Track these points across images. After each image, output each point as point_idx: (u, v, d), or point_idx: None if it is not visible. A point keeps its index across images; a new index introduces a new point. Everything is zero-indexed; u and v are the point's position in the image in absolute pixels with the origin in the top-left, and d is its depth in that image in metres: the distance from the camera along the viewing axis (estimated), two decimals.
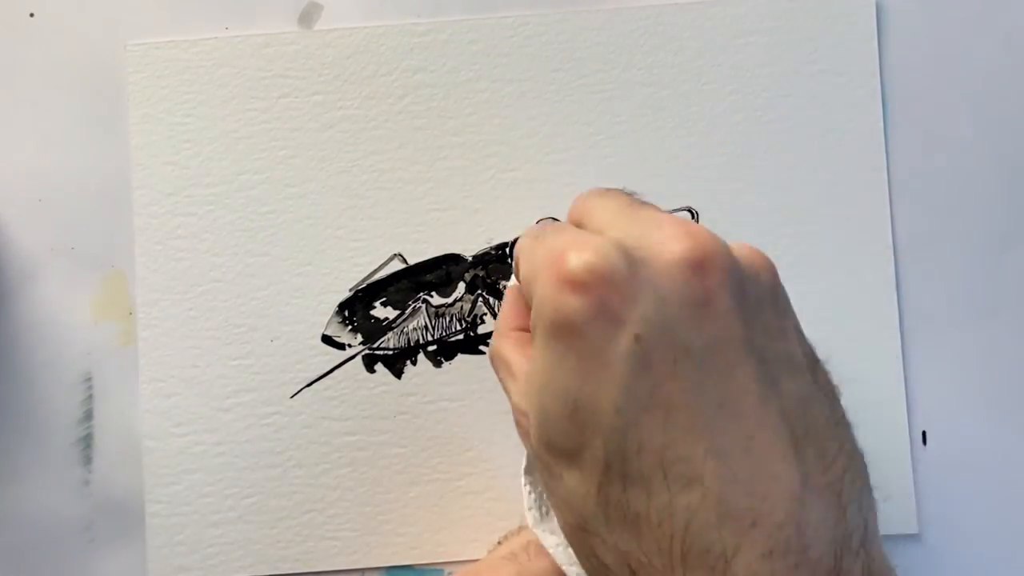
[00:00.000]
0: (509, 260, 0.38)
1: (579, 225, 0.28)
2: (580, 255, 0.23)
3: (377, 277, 0.38)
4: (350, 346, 0.38)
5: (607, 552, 0.23)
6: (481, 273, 0.38)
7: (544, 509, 0.30)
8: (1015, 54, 0.39)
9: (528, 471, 0.31)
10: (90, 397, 0.37)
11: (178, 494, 0.37)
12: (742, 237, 0.38)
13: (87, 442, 0.37)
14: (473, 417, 0.37)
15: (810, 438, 0.23)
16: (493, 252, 0.38)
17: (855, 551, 0.22)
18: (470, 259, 0.38)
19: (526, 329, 0.29)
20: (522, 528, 0.36)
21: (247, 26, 0.39)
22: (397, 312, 0.38)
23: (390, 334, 0.38)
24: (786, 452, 0.22)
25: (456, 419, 0.37)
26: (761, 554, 0.21)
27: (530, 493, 0.30)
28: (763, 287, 0.24)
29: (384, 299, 0.38)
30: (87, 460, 0.37)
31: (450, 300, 0.38)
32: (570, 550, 0.26)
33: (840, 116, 0.38)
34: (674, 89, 0.38)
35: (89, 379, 0.38)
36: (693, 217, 0.38)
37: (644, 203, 0.27)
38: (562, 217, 0.38)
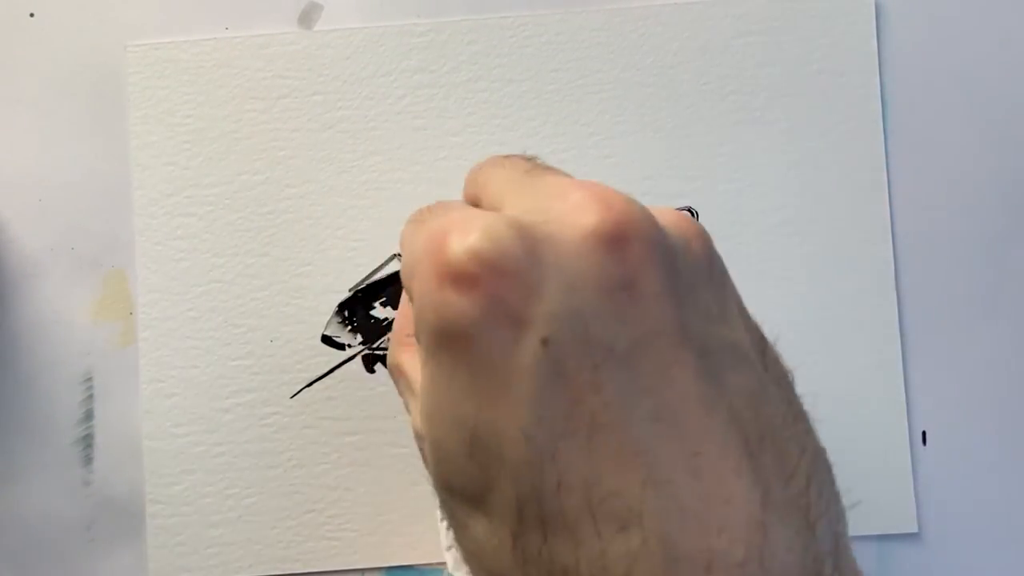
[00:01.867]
0: None
1: (475, 203, 0.23)
2: (463, 239, 0.18)
3: (377, 277, 0.38)
4: (350, 346, 0.38)
5: None
6: None
7: None
8: (1015, 54, 0.39)
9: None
10: (90, 397, 0.37)
11: (178, 494, 0.37)
12: (741, 238, 0.38)
13: (87, 442, 0.37)
14: None
15: (766, 443, 0.18)
16: None
17: None
18: None
19: None
20: None
21: (247, 26, 0.39)
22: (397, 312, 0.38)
23: (390, 334, 0.38)
24: (740, 466, 0.17)
25: None
26: None
27: (448, 528, 0.25)
28: (697, 260, 0.20)
29: (384, 299, 0.38)
30: (87, 460, 0.37)
31: None
32: None
33: (839, 116, 0.38)
34: (674, 89, 0.38)
35: (89, 379, 0.38)
36: (692, 217, 0.38)
37: (547, 168, 0.22)
38: None
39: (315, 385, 0.38)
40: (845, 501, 0.20)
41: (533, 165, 0.23)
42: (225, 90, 0.38)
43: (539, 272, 0.18)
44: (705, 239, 0.21)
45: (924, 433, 0.38)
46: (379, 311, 0.38)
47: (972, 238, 0.38)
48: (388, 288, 0.38)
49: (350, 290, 0.38)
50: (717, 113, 0.38)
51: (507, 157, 0.23)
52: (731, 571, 0.17)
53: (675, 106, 0.38)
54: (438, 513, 0.25)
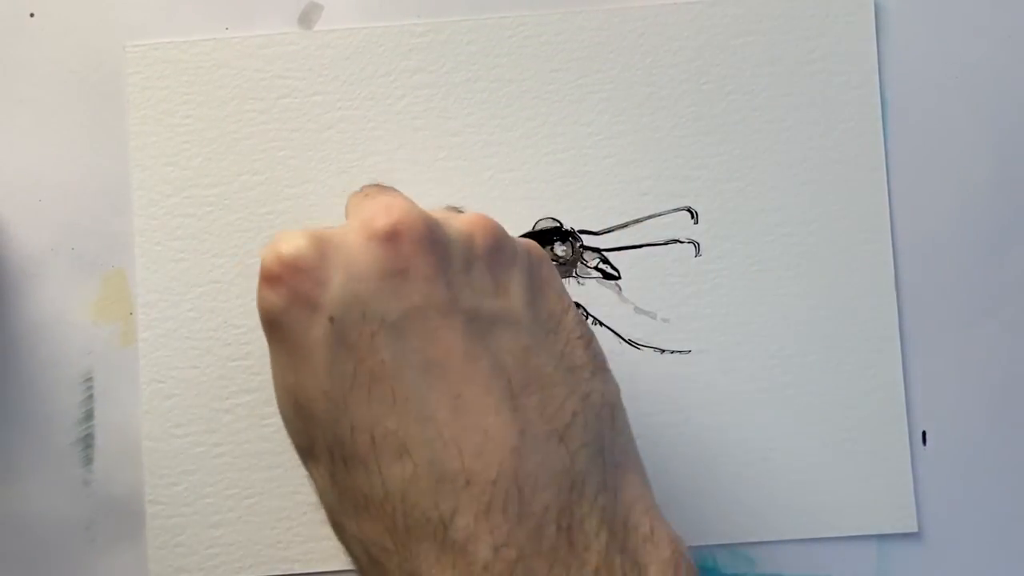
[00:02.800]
0: None
1: None
2: (273, 250, 0.24)
3: None
4: None
5: (355, 543, 0.23)
6: None
7: None
8: (1015, 54, 0.39)
9: None
10: (90, 397, 0.38)
11: (178, 495, 0.37)
12: (741, 237, 0.38)
13: (87, 442, 0.37)
14: None
15: (532, 387, 0.23)
16: None
17: (591, 498, 0.22)
18: None
19: None
20: None
21: (247, 27, 0.39)
22: None
23: None
24: (500, 406, 0.22)
25: None
26: (477, 512, 0.21)
27: None
28: (475, 248, 0.24)
29: None
30: (87, 460, 0.37)
31: None
32: None
33: (839, 116, 0.38)
34: (673, 89, 0.38)
35: (89, 379, 0.38)
36: (693, 217, 0.38)
37: (383, 189, 0.29)
38: (567, 219, 0.38)
39: None
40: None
41: (374, 189, 0.29)
42: (225, 90, 0.38)
43: (326, 268, 0.23)
44: (491, 232, 0.25)
45: (924, 433, 0.38)
46: None
47: (972, 238, 0.38)
48: None
49: None
50: (717, 113, 0.38)
51: (365, 185, 0.32)
52: (485, 486, 0.21)
53: (675, 106, 0.38)
54: None
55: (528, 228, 0.38)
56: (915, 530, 0.37)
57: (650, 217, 0.38)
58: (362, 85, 0.38)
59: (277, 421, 0.37)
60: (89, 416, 0.37)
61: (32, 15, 0.39)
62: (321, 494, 0.25)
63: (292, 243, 0.23)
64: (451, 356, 0.23)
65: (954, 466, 0.38)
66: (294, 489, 0.37)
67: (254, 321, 0.37)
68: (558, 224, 0.38)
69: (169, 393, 0.37)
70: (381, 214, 0.24)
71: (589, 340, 0.26)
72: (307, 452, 0.24)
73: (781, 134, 0.38)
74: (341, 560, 0.37)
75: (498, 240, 0.25)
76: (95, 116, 0.38)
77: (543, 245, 0.37)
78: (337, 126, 0.38)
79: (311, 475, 0.25)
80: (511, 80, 0.38)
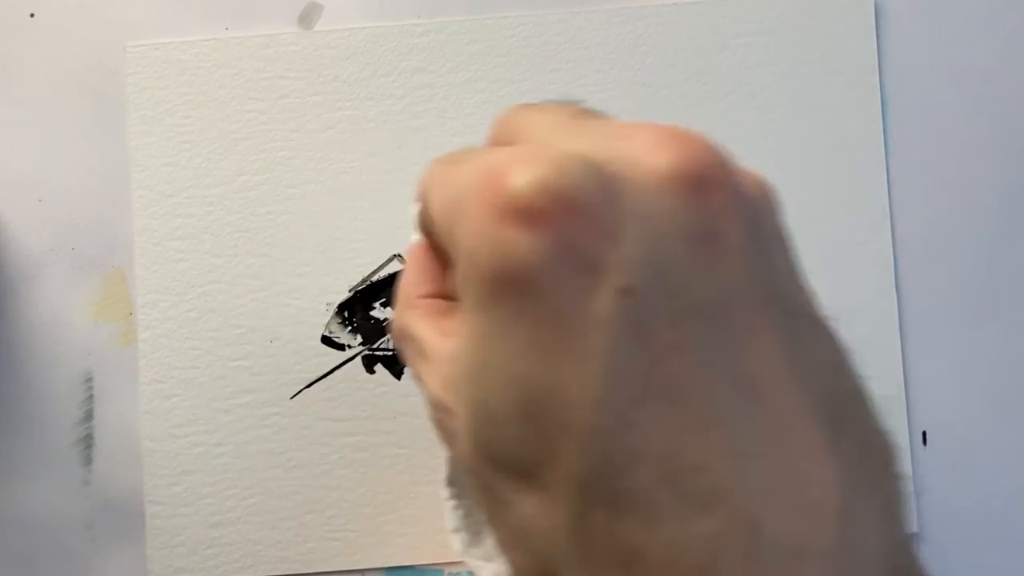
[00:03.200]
0: None
1: None
2: (530, 170, 0.16)
3: (377, 278, 0.38)
4: (350, 347, 0.38)
5: None
6: None
7: (475, 530, 0.24)
8: (1015, 54, 0.39)
9: (453, 482, 0.24)
10: (90, 397, 0.38)
11: (178, 495, 0.37)
12: None
13: (87, 442, 0.37)
14: None
15: (847, 420, 0.17)
16: None
17: (909, 570, 0.17)
18: None
19: (439, 295, 0.22)
20: None
21: (247, 27, 0.39)
22: None
23: (390, 335, 0.38)
24: (825, 444, 0.16)
25: None
26: None
27: (456, 508, 0.24)
28: (772, 216, 0.18)
29: (384, 300, 0.38)
30: (87, 460, 0.37)
31: None
32: None
33: (839, 116, 0.38)
34: (673, 89, 0.38)
35: (89, 379, 0.38)
36: None
37: (597, 112, 0.20)
38: None
39: (315, 386, 0.38)
40: None
41: (580, 109, 0.20)
42: (225, 90, 0.38)
43: (617, 212, 0.16)
44: (775, 194, 0.19)
45: (924, 433, 0.38)
46: (379, 311, 0.38)
47: (972, 238, 0.38)
48: (388, 288, 0.38)
49: (350, 290, 0.38)
50: (717, 113, 0.38)
51: (542, 103, 0.21)
52: (823, 559, 0.15)
53: (675, 106, 0.38)
54: (443, 492, 0.24)
55: None
56: (915, 530, 0.37)
57: None
58: (362, 85, 0.38)
59: (277, 421, 0.38)
60: (89, 416, 0.37)
61: (32, 15, 0.39)
62: (526, 532, 0.17)
63: (562, 165, 0.16)
64: (771, 370, 0.16)
65: (954, 466, 0.38)
66: (294, 489, 0.37)
67: (254, 322, 0.38)
68: None
69: (169, 393, 0.37)
70: (676, 147, 0.16)
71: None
72: (527, 473, 0.16)
73: (780, 134, 0.38)
74: (341, 560, 0.37)
75: (779, 210, 0.19)
76: (95, 116, 0.38)
77: None
78: (337, 126, 0.38)
79: (511, 502, 0.17)
80: (511, 80, 0.38)
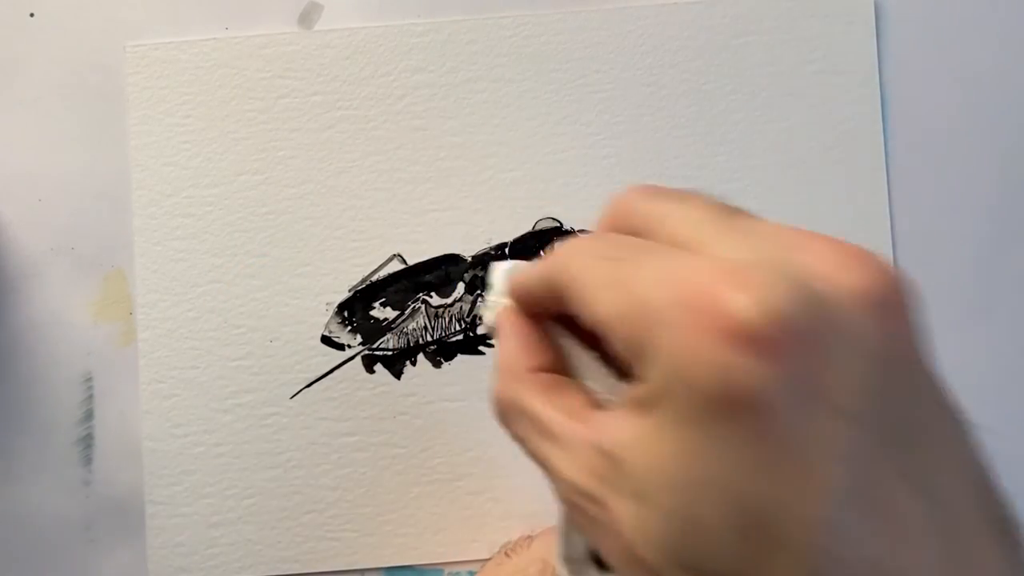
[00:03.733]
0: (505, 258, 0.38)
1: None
2: (751, 293, 0.16)
3: (376, 278, 0.38)
4: (349, 347, 0.38)
5: None
6: (480, 273, 0.38)
7: None
8: (1015, 54, 0.39)
9: (571, 561, 0.23)
10: (90, 397, 0.38)
11: (178, 495, 0.37)
12: None
13: (87, 442, 0.37)
14: (473, 417, 0.37)
15: (1007, 532, 0.18)
16: (492, 252, 0.38)
17: None
18: (469, 259, 0.38)
19: (548, 369, 0.22)
20: (530, 539, 0.36)
21: (247, 26, 0.39)
22: (396, 313, 0.38)
23: (389, 335, 0.38)
24: (998, 557, 0.17)
25: (456, 419, 0.37)
26: None
27: None
28: (919, 321, 0.18)
29: (383, 300, 0.38)
30: (87, 460, 0.37)
31: (449, 300, 0.38)
32: None
33: (839, 115, 0.38)
34: (673, 89, 0.38)
35: (89, 379, 0.38)
36: None
37: (740, 209, 0.20)
38: (567, 218, 0.38)
39: (315, 385, 0.38)
40: None
41: (725, 204, 0.20)
42: (225, 90, 0.38)
43: (832, 339, 0.16)
44: (914, 293, 0.19)
45: None
46: (378, 311, 0.38)
47: (972, 238, 0.38)
48: (388, 288, 0.38)
49: (350, 290, 0.38)
50: (717, 113, 0.38)
51: (674, 190, 0.21)
52: None
53: (675, 106, 0.38)
54: (561, 568, 0.23)
55: (528, 228, 0.38)
56: None
57: None
58: (362, 85, 0.38)
59: (277, 421, 0.38)
60: (89, 416, 0.37)
61: (32, 15, 0.39)
62: None
63: (789, 293, 0.16)
64: (953, 484, 0.17)
65: None
66: (294, 489, 0.37)
67: (254, 321, 0.38)
68: (558, 224, 0.38)
69: (169, 393, 0.37)
70: (863, 267, 0.17)
71: None
72: None
73: (781, 134, 0.38)
74: (341, 560, 0.37)
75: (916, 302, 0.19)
76: (95, 116, 0.38)
77: (543, 245, 0.37)
78: (337, 126, 0.38)
79: None
80: (511, 80, 0.38)
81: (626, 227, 0.21)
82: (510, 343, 0.23)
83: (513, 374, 0.22)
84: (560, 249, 0.21)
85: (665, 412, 0.17)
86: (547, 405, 0.21)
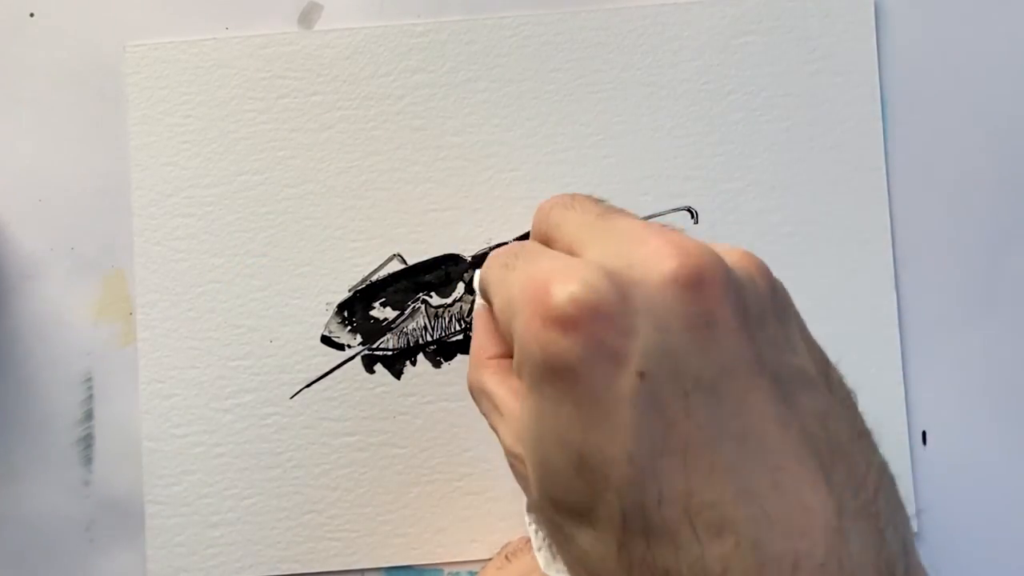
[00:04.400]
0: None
1: (546, 242, 0.26)
2: (565, 287, 0.21)
3: (376, 277, 0.38)
4: (349, 347, 0.38)
5: None
6: None
7: (554, 550, 0.27)
8: (1015, 54, 0.39)
9: (532, 509, 0.28)
10: (90, 397, 0.38)
11: (178, 495, 0.37)
12: (741, 237, 0.38)
13: (87, 442, 0.37)
14: (473, 417, 0.37)
15: (837, 457, 0.21)
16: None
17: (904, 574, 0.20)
18: (469, 259, 0.38)
19: (505, 356, 0.27)
20: (530, 541, 0.36)
21: (247, 26, 0.39)
22: (396, 313, 0.38)
23: (389, 335, 0.38)
24: (816, 479, 0.20)
25: (456, 419, 0.37)
26: None
27: (537, 532, 0.28)
28: (762, 294, 0.22)
29: (383, 300, 0.38)
30: (87, 460, 0.37)
31: (449, 300, 0.38)
32: None
33: (839, 116, 0.38)
34: (673, 89, 0.38)
35: (89, 379, 0.38)
36: (692, 217, 0.38)
37: (617, 211, 0.25)
38: None
39: (315, 385, 0.38)
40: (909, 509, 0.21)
41: (604, 208, 0.25)
42: (224, 90, 0.38)
43: (631, 314, 0.20)
44: (767, 273, 0.23)
45: (924, 433, 0.38)
46: (378, 311, 0.38)
47: (972, 238, 0.38)
48: (387, 288, 0.38)
49: (350, 290, 0.38)
50: (717, 113, 0.38)
51: (575, 198, 0.26)
52: (814, 571, 0.19)
53: (675, 106, 0.38)
54: (526, 518, 0.27)
55: (528, 228, 0.38)
56: (915, 530, 0.37)
57: (650, 217, 0.38)
58: (362, 85, 0.38)
59: (277, 421, 0.38)
60: (89, 416, 0.37)
61: (32, 15, 0.39)
62: (585, 558, 0.21)
63: (589, 282, 0.21)
64: (765, 423, 0.20)
65: (954, 466, 0.38)
66: (294, 489, 0.37)
67: (254, 321, 0.38)
68: None
69: (169, 393, 0.37)
70: (677, 254, 0.21)
71: (856, 400, 0.23)
72: (582, 513, 0.21)
73: (781, 134, 0.38)
74: (341, 560, 0.37)
75: (774, 282, 0.23)
76: (95, 116, 0.38)
77: None
78: (337, 126, 0.38)
79: (573, 536, 0.22)
80: (511, 80, 0.38)
81: (541, 235, 0.26)
82: (478, 335, 0.28)
83: (478, 361, 0.27)
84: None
85: (523, 382, 0.22)
86: (499, 386, 0.26)
